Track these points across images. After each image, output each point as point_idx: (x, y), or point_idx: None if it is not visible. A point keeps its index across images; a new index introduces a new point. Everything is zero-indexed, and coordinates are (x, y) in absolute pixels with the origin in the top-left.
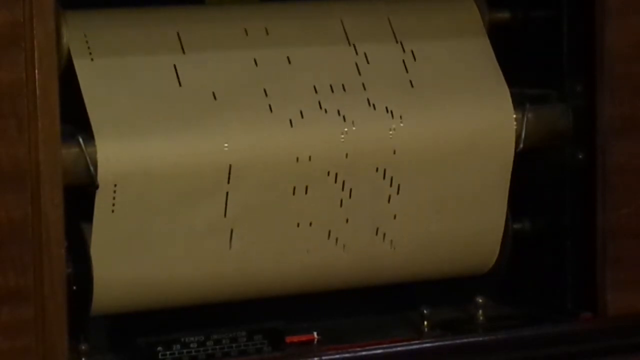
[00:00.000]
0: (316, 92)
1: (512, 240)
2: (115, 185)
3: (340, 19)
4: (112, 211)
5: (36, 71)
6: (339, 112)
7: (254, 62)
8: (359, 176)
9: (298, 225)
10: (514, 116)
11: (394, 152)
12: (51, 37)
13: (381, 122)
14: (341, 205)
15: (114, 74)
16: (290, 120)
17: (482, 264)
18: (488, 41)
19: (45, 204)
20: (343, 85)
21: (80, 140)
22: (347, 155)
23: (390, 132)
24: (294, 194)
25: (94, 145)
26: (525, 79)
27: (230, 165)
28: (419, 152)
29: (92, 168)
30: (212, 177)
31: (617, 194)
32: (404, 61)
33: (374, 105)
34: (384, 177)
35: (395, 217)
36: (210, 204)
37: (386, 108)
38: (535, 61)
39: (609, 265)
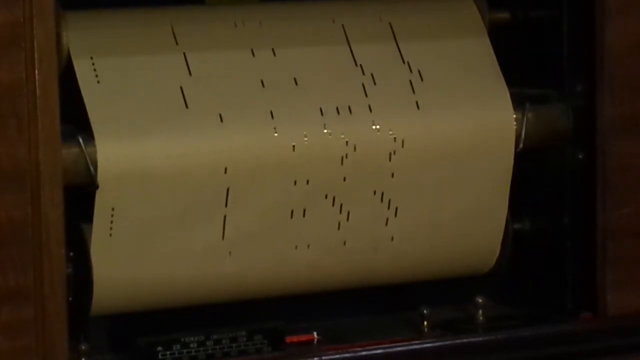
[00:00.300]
0: (322, 114)
1: (512, 241)
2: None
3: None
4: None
5: (36, 71)
6: (342, 135)
7: (261, 84)
8: (357, 199)
9: (296, 247)
10: (514, 116)
11: (392, 176)
12: (51, 37)
13: (383, 146)
14: (339, 228)
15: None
16: (293, 145)
17: (482, 264)
18: (488, 41)
19: (45, 204)
20: (349, 107)
21: (80, 140)
22: (345, 178)
23: (391, 156)
24: (291, 217)
25: (94, 145)
26: (525, 79)
27: (228, 189)
28: (418, 171)
29: (92, 168)
30: (211, 195)
31: (617, 194)
32: (410, 82)
33: (378, 127)
34: (381, 200)
35: (392, 238)
36: (208, 226)
37: (390, 130)
38: (535, 61)
39: (609, 265)
